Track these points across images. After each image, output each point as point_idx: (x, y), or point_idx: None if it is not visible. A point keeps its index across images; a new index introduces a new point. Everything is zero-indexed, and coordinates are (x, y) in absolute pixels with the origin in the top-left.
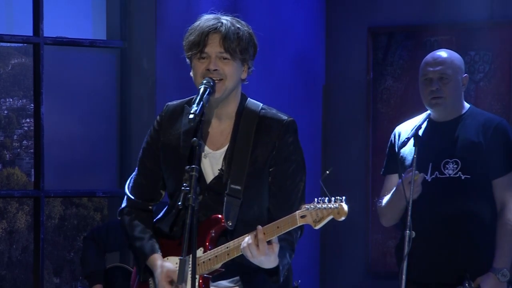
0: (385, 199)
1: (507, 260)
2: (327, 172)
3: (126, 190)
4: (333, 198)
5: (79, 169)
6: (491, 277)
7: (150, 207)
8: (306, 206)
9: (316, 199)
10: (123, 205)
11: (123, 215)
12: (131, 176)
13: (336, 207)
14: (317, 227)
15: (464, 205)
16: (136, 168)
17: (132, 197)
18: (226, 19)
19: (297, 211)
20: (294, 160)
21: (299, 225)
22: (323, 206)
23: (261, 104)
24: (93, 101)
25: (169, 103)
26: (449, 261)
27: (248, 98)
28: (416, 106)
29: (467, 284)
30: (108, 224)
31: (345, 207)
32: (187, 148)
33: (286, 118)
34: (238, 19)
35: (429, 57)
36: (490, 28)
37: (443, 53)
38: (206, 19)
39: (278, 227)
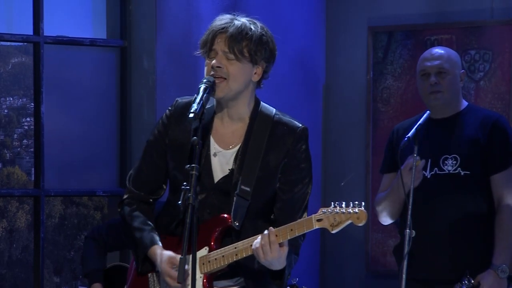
0: (384, 193)
1: (506, 256)
2: (349, 178)
3: (128, 182)
4: (351, 203)
5: (79, 168)
6: (491, 274)
7: (152, 200)
8: (323, 210)
9: (332, 203)
10: (124, 196)
11: (123, 205)
12: (133, 168)
13: (356, 212)
14: (334, 231)
15: (464, 201)
16: (139, 160)
17: (134, 189)
18: (239, 21)
19: (313, 215)
20: (304, 168)
21: (314, 228)
22: (342, 210)
23: (275, 109)
24: (93, 101)
25: (178, 98)
26: (449, 258)
27: (262, 103)
28: (416, 105)
29: (466, 281)
30: (109, 223)
31: (365, 212)
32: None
33: (300, 125)
34: (256, 21)
35: (426, 53)
36: (490, 27)
37: (439, 49)
38: (220, 19)
39: (292, 230)
